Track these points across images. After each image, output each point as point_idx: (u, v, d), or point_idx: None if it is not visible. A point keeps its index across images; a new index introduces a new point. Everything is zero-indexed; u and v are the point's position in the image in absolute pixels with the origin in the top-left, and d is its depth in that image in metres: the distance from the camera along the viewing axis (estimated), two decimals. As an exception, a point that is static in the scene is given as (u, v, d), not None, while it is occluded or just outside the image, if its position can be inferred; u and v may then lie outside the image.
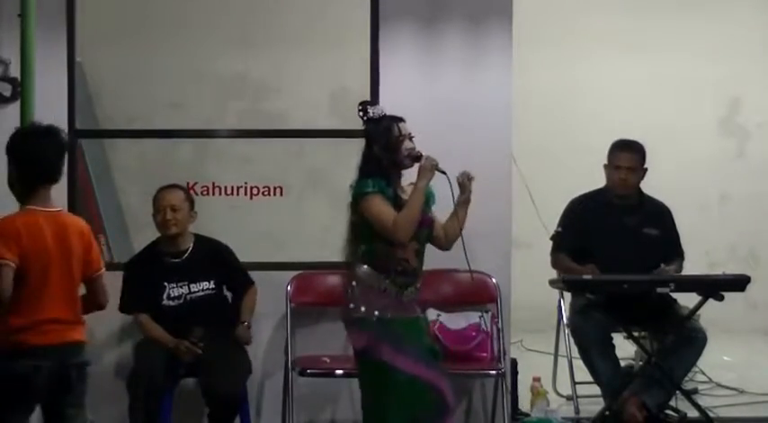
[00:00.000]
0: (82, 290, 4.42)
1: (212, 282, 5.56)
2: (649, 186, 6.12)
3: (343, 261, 4.70)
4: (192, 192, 5.75)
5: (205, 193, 6.04)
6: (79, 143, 6.07)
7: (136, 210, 6.79)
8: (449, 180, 4.60)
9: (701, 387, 6.50)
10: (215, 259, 5.60)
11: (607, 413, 5.70)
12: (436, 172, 4.59)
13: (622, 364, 6.01)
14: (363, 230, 4.60)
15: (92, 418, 4.51)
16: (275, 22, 6.90)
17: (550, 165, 8.50)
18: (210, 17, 6.78)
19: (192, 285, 5.53)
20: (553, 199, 6.50)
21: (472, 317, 5.71)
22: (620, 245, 5.85)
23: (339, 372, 5.47)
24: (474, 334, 5.67)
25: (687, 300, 5.80)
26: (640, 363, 6.06)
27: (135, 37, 6.90)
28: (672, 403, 5.84)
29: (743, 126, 9.07)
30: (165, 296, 5.50)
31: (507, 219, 5.91)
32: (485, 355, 5.66)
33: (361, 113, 4.67)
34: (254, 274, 5.69)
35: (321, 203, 6.85)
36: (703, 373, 6.60)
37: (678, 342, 5.75)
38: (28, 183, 4.25)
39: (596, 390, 5.89)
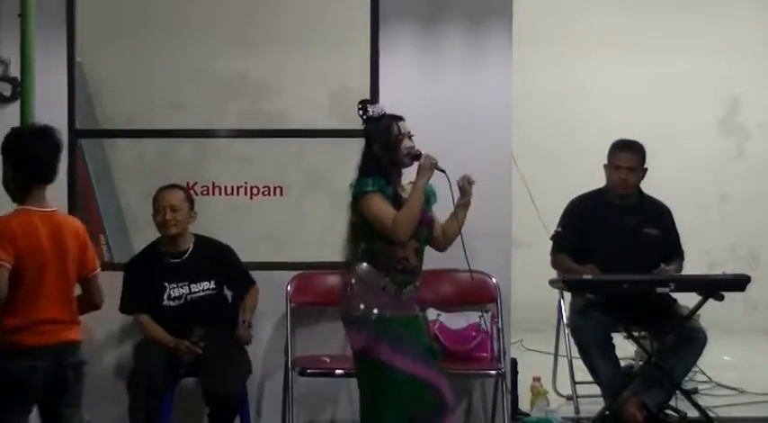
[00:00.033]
0: (78, 290, 4.41)
1: (213, 282, 5.56)
2: (649, 186, 6.11)
3: (343, 261, 4.70)
4: (192, 192, 5.75)
5: (205, 193, 6.04)
6: (79, 143, 6.06)
7: (136, 210, 6.79)
8: (448, 178, 4.60)
9: (701, 387, 6.50)
10: (215, 259, 5.60)
11: (607, 413, 5.70)
12: (435, 170, 4.60)
13: (622, 364, 6.01)
14: (363, 229, 4.60)
15: (89, 417, 4.50)
16: (275, 22, 6.90)
17: (550, 165, 8.50)
18: (210, 17, 6.79)
19: (192, 285, 5.53)
20: (553, 199, 6.50)
21: (472, 317, 5.71)
22: (620, 245, 5.85)
23: (339, 371, 5.47)
24: (474, 334, 5.67)
25: (687, 300, 5.80)
26: (640, 363, 6.05)
27: (135, 37, 6.90)
28: (672, 403, 5.84)
29: (743, 126, 9.07)
30: (165, 296, 5.50)
31: (507, 219, 5.91)
32: (485, 354, 5.66)
33: (360, 112, 4.67)
34: (254, 274, 5.69)
35: (321, 203, 6.85)
36: (703, 373, 6.60)
37: (678, 342, 5.75)
38: (23, 183, 4.24)
39: (596, 390, 5.89)
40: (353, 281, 4.59)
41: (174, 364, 5.34)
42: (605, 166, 6.06)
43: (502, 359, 5.65)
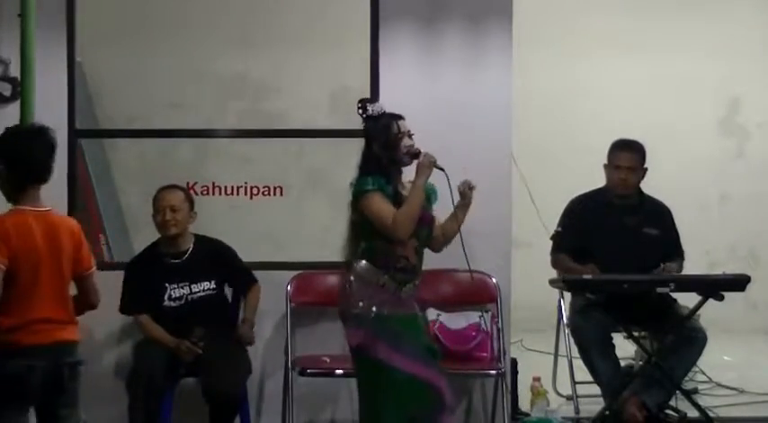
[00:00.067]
0: (74, 290, 4.41)
1: (213, 282, 5.56)
2: (649, 186, 6.11)
3: (343, 261, 4.70)
4: (192, 192, 5.75)
5: (205, 193, 6.04)
6: (79, 143, 6.06)
7: (136, 210, 6.79)
8: (447, 177, 4.59)
9: (701, 387, 6.49)
10: (216, 259, 5.60)
11: (607, 413, 5.70)
12: (434, 169, 4.59)
13: (622, 364, 6.01)
14: (364, 228, 4.60)
15: (86, 418, 4.49)
16: (275, 22, 6.90)
17: (550, 165, 8.50)
18: (210, 17, 6.79)
19: (192, 286, 5.53)
20: (553, 199, 6.50)
21: (472, 317, 5.71)
22: (620, 245, 5.85)
23: (339, 371, 5.46)
24: (474, 334, 5.67)
25: (687, 300, 5.80)
26: (640, 363, 6.05)
27: (135, 37, 6.90)
28: (672, 403, 5.84)
29: (743, 126, 9.07)
30: (166, 297, 5.50)
31: (507, 219, 5.91)
32: (485, 354, 5.66)
33: (360, 111, 4.68)
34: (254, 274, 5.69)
35: (321, 203, 6.85)
36: (703, 373, 6.60)
37: (678, 342, 5.75)
38: (17, 182, 4.23)
39: (596, 390, 5.89)
40: (352, 278, 4.59)
41: (173, 363, 5.34)
42: (605, 166, 6.06)
43: (502, 359, 5.65)
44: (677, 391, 5.78)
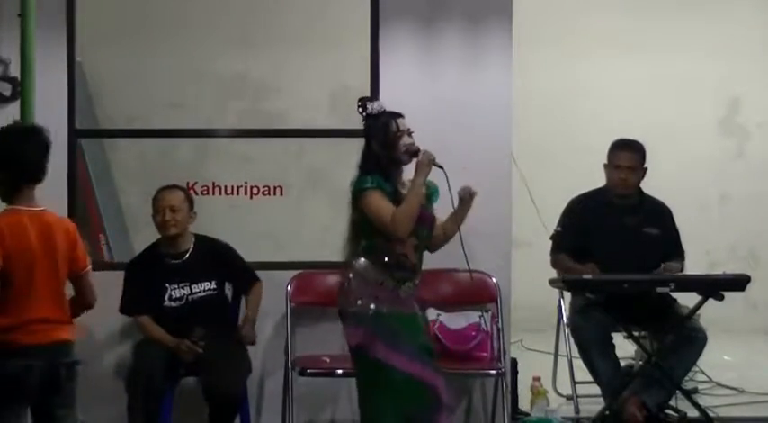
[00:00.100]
0: (70, 291, 4.40)
1: (213, 282, 5.56)
2: (649, 186, 6.11)
3: (343, 260, 4.70)
4: (192, 192, 5.75)
5: (205, 193, 6.04)
6: (79, 143, 6.06)
7: (136, 210, 6.79)
8: (446, 175, 4.58)
9: (701, 387, 6.50)
10: (216, 259, 5.60)
11: (607, 413, 5.70)
12: (434, 167, 4.59)
13: (622, 363, 6.01)
14: (363, 227, 4.60)
15: (83, 418, 4.49)
16: (275, 22, 6.90)
17: (550, 165, 8.50)
18: (210, 17, 6.79)
19: (193, 286, 5.52)
20: (553, 199, 6.50)
21: (472, 316, 5.71)
22: (620, 244, 5.85)
23: (339, 371, 5.46)
24: (474, 334, 5.67)
25: (687, 299, 5.80)
26: (640, 362, 6.05)
27: (135, 37, 6.91)
28: (672, 403, 5.84)
29: (743, 126, 9.07)
30: (166, 297, 5.49)
31: (507, 219, 5.91)
32: (485, 354, 5.66)
33: (360, 109, 4.67)
34: (253, 274, 5.70)
35: (321, 203, 6.86)
36: (703, 373, 6.60)
37: (678, 342, 5.75)
38: (11, 182, 4.23)
39: (596, 389, 5.89)
40: (351, 276, 4.59)
41: (173, 363, 5.34)
42: (605, 166, 6.06)
43: (502, 359, 5.65)
44: (677, 391, 5.78)
